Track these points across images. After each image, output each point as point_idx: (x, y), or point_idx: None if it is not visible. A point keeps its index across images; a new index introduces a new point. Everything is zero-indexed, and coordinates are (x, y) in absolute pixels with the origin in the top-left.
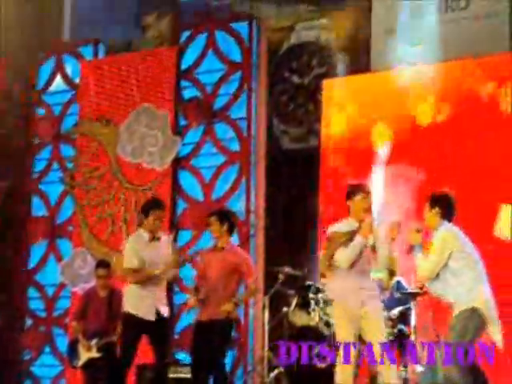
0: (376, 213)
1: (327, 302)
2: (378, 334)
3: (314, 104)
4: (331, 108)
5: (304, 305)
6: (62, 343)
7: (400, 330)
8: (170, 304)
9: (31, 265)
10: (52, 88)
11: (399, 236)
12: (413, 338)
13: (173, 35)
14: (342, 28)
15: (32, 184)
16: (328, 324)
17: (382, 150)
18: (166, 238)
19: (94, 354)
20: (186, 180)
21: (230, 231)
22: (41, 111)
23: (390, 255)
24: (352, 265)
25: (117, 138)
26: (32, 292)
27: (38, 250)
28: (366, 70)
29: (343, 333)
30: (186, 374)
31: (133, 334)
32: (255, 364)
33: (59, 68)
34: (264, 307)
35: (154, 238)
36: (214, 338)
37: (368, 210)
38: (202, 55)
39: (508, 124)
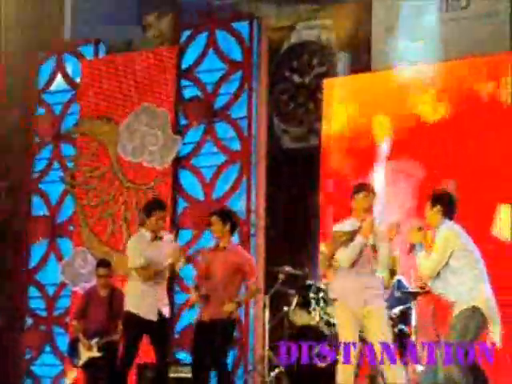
0: (377, 212)
1: (328, 302)
2: (380, 333)
3: (315, 103)
4: (332, 107)
5: (304, 304)
6: (63, 342)
7: (400, 330)
8: (171, 303)
9: (32, 264)
10: (52, 87)
11: (399, 236)
12: (413, 337)
13: (173, 35)
14: (343, 27)
15: (32, 183)
16: (329, 323)
17: (383, 145)
18: (168, 237)
19: (95, 353)
20: (187, 179)
21: (232, 231)
22: (41, 111)
23: (391, 254)
24: (353, 264)
25: (117, 137)
26: (32, 291)
27: (38, 249)
28: (367, 69)
29: (346, 333)
30: (186, 373)
31: (134, 334)
32: (256, 363)
33: (60, 67)
34: (264, 307)
35: (157, 237)
36: (216, 338)
37: (368, 210)
38: (203, 54)
39: (508, 124)
